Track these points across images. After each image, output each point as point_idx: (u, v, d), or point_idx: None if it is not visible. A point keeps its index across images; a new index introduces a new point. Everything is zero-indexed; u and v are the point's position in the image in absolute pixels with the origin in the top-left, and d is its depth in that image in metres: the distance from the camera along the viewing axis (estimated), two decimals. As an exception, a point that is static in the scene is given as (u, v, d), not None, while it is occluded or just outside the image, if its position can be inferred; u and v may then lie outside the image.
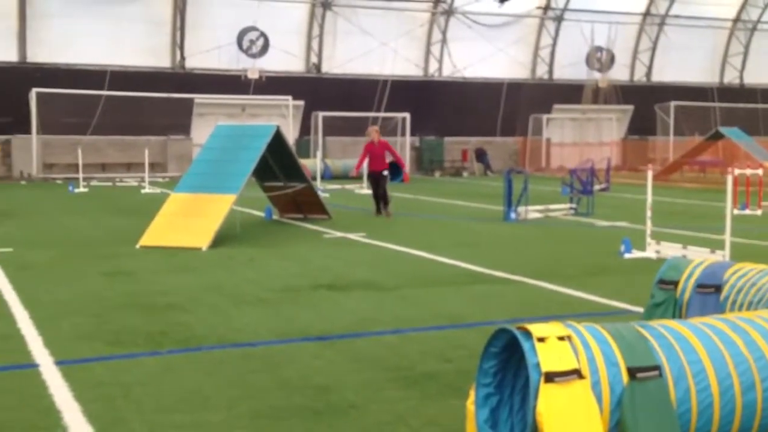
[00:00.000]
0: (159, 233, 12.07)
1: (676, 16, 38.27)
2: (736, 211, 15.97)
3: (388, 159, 17.49)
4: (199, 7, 31.75)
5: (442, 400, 5.03)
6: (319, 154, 26.69)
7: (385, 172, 16.95)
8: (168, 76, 31.68)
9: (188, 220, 12.33)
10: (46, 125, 28.28)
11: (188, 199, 12.89)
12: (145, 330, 6.80)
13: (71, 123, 28.93)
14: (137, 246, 11.73)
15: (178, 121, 31.33)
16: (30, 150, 28.42)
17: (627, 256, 10.93)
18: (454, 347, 6.28)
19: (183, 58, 31.99)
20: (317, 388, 5.26)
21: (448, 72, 35.82)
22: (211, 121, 28.28)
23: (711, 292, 5.33)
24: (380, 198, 16.77)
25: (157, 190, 23.06)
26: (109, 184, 27.15)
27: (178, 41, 31.90)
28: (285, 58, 32.93)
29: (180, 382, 5.38)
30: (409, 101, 33.24)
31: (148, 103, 29.88)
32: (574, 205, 17.12)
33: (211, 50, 31.69)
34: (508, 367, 4.18)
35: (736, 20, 39.85)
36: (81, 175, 24.86)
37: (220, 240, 12.01)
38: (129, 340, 6.49)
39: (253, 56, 32.46)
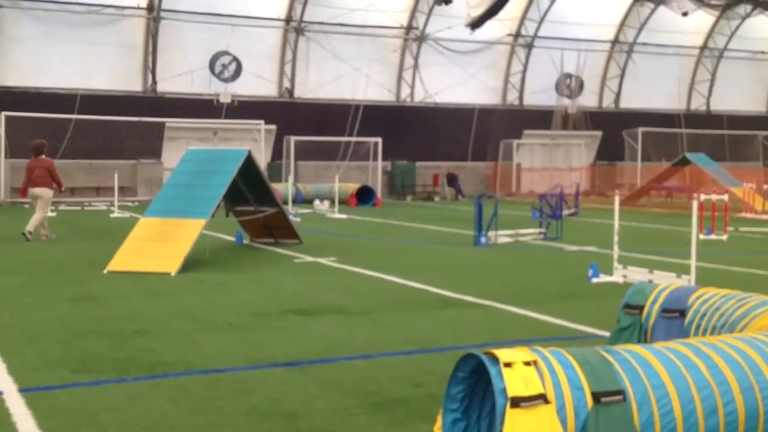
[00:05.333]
0: (127, 258, 11.97)
1: (644, 44, 38.93)
2: (702, 236, 16.19)
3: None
4: (172, 31, 31.75)
5: (410, 426, 5.02)
6: (291, 178, 26.69)
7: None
8: (139, 99, 31.58)
9: (157, 244, 12.24)
10: (14, 149, 27.98)
11: (158, 223, 12.80)
12: (111, 357, 6.73)
13: (40, 147, 28.63)
14: (105, 271, 11.63)
15: (149, 145, 31.18)
16: (-2, 174, 28.13)
17: (595, 280, 11.03)
18: (424, 372, 6.28)
19: (155, 82, 31.92)
20: (285, 414, 5.23)
21: (419, 97, 36.07)
22: (182, 146, 28.17)
23: (676, 317, 5.40)
24: None
25: (126, 215, 22.89)
26: (78, 208, 26.90)
27: (150, 65, 31.84)
28: (257, 82, 32.99)
29: (145, 409, 5.33)
30: (381, 126, 33.37)
31: (118, 127, 29.73)
32: (543, 230, 17.24)
33: (183, 74, 31.67)
34: (476, 392, 4.20)
35: (703, 48, 40.62)
36: (49, 199, 24.55)
37: (190, 265, 11.94)
38: (95, 367, 6.42)
39: (226, 81, 32.47)
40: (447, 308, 9.18)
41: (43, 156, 16.97)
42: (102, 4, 30.54)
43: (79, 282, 10.83)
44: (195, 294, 9.96)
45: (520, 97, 38.07)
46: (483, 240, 15.75)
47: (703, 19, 37.97)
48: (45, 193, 16.41)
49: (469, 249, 15.33)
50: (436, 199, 34.21)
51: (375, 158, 33.38)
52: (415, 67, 35.82)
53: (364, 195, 29.25)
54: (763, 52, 41.22)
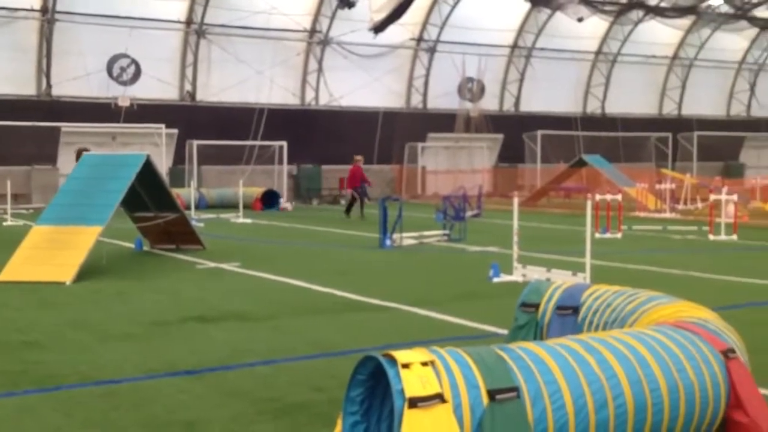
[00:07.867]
0: (19, 267, 11.51)
1: (542, 49, 39.91)
2: (597, 235, 16.75)
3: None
4: (67, 33, 30.70)
5: (312, 431, 5.00)
6: (193, 183, 26.21)
7: None
8: (33, 104, 30.42)
9: (51, 253, 11.82)
10: None
11: (52, 231, 12.37)
12: (1, 370, 6.46)
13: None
14: (-5, 282, 11.16)
15: (44, 150, 30.05)
16: None
17: (496, 280, 11.24)
18: (326, 376, 6.27)
19: (49, 85, 30.81)
20: (183, 424, 5.12)
21: (324, 101, 36.02)
22: (79, 151, 27.30)
23: (569, 314, 5.55)
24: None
25: (20, 222, 22.02)
26: (-32, 216, 25.71)
27: (44, 68, 30.72)
28: (158, 85, 32.26)
29: (37, 423, 5.13)
30: (286, 130, 33.15)
31: (10, 132, 28.53)
32: (447, 231, 17.46)
33: (79, 78, 30.66)
34: (375, 394, 4.22)
35: (598, 52, 41.94)
36: (-64, 208, 23.47)
37: (86, 274, 11.57)
38: (-18, 381, 6.15)
39: (124, 84, 31.63)
40: (351, 311, 9.19)
41: None
42: (-8, 5, 29.34)
43: (-33, 294, 10.35)
44: (91, 303, 9.67)
45: (424, 101, 38.48)
46: (388, 242, 15.84)
47: (597, 25, 39.21)
48: None
49: (374, 252, 15.40)
50: (342, 202, 34.19)
51: (280, 162, 33.15)
52: (320, 70, 35.77)
53: (270, 199, 29.02)
54: (654, 56, 42.87)
